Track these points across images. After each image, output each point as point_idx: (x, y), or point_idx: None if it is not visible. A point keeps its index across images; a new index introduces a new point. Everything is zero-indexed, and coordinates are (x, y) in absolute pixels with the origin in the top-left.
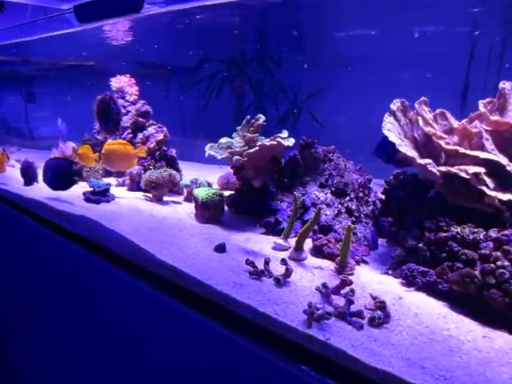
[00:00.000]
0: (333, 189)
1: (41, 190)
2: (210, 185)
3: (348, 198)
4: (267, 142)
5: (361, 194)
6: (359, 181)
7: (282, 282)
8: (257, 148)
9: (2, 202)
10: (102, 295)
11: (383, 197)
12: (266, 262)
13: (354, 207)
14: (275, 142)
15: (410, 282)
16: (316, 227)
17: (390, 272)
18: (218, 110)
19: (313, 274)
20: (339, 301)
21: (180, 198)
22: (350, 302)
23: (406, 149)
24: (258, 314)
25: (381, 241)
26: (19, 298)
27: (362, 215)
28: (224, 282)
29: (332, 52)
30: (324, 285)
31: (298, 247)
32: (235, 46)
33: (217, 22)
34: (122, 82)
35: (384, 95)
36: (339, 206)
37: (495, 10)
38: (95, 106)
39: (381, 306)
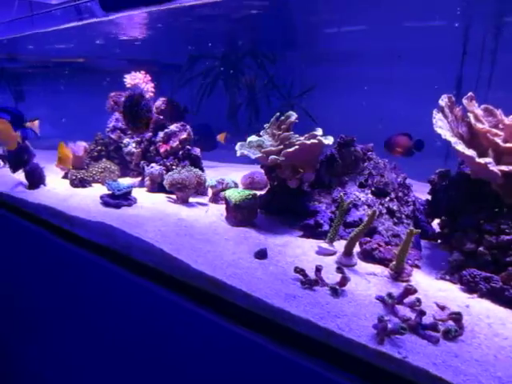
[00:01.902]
0: (373, 189)
1: (48, 194)
2: (236, 185)
3: (388, 198)
4: (307, 140)
5: (400, 194)
6: (398, 180)
7: (339, 291)
8: (296, 147)
9: (3, 207)
10: (125, 308)
11: (429, 197)
12: (318, 270)
13: (395, 208)
14: (316, 141)
15: (472, 288)
16: None
17: (447, 277)
18: (211, 107)
19: (367, 282)
20: (403, 311)
21: (205, 199)
22: (421, 314)
23: (463, 147)
24: (319, 329)
25: (422, 242)
26: (28, 312)
27: (403, 216)
28: (274, 293)
29: (325, 48)
30: (390, 295)
31: (348, 252)
32: (228, 42)
33: (209, 17)
34: (137, 79)
35: (378, 90)
36: (380, 206)
37: (487, 3)
38: (121, 104)
39: (457, 317)
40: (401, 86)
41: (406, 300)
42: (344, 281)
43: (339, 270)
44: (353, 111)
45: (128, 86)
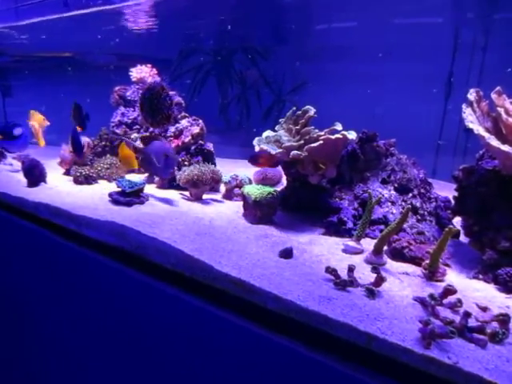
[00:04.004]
0: (396, 185)
1: (50, 192)
2: (251, 181)
3: (411, 194)
4: (331, 135)
5: (422, 190)
6: (420, 176)
7: (375, 292)
8: (321, 142)
9: (0, 207)
10: (139, 312)
11: (455, 193)
12: (351, 270)
13: (418, 204)
14: (341, 136)
15: (509, 288)
16: (382, 226)
17: (481, 276)
18: (202, 103)
19: (401, 282)
20: (444, 313)
21: (219, 196)
22: (467, 316)
23: (498, 143)
24: (359, 333)
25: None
26: (31, 319)
27: (426, 213)
28: (307, 295)
29: (316, 43)
30: (432, 296)
31: (378, 250)
32: (219, 37)
33: (200, 12)
34: (143, 72)
35: (368, 86)
36: (402, 203)
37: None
38: (139, 96)
39: (504, 319)
40: (392, 82)
41: (446, 301)
42: (380, 281)
43: (375, 269)
44: (345, 107)
45: (134, 79)
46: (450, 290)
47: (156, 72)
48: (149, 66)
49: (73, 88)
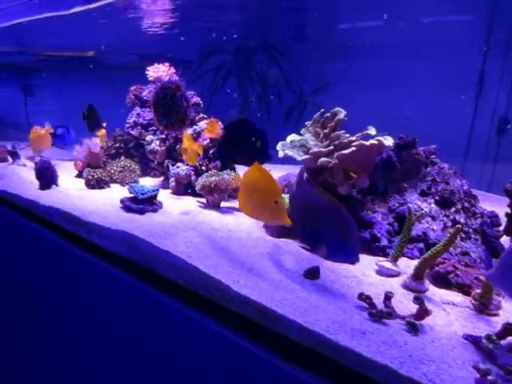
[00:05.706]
0: (437, 198)
1: (60, 196)
2: None
3: (454, 208)
4: (365, 140)
5: (467, 204)
6: (464, 188)
7: (418, 327)
8: (353, 148)
9: (12, 209)
10: (149, 329)
11: (508, 210)
12: (388, 298)
13: (462, 220)
14: (376, 142)
15: None
16: (421, 245)
17: None
18: (223, 103)
19: (447, 314)
20: (503, 358)
21: (236, 203)
22: None
23: None
24: (401, 378)
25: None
26: (36, 325)
27: (471, 230)
28: (338, 327)
29: (340, 42)
30: (490, 338)
31: (419, 275)
32: (241, 36)
33: (221, 10)
34: (160, 71)
35: (395, 86)
36: (444, 218)
37: None
38: (152, 95)
39: None
40: (419, 81)
41: (504, 342)
42: (424, 314)
43: (418, 300)
44: (370, 108)
45: (151, 79)
46: (510, 330)
47: (174, 71)
48: (166, 64)
49: (94, 87)
